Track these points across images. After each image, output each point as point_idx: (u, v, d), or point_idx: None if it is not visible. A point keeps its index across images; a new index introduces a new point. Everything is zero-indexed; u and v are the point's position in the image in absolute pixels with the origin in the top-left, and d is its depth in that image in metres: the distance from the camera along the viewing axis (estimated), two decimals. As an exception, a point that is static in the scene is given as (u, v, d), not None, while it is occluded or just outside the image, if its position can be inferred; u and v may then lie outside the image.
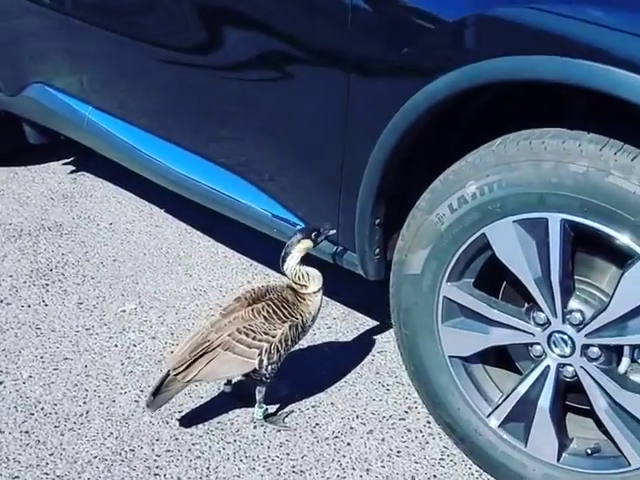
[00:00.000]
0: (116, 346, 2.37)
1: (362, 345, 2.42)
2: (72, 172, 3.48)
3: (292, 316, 1.95)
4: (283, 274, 2.03)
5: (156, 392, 1.91)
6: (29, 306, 2.54)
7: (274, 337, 1.92)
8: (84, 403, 2.13)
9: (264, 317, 1.93)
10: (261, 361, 1.93)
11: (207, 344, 1.90)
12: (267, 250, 2.50)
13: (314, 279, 1.98)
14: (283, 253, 1.98)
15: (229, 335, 1.91)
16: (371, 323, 2.51)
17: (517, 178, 1.62)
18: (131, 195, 3.27)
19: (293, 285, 2.00)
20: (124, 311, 2.53)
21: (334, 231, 2.03)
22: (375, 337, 2.45)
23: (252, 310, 1.94)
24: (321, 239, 2.00)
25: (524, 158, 1.61)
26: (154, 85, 2.56)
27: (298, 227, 2.12)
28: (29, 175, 3.44)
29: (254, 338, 1.91)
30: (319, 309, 2.02)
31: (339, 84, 1.89)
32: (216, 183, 2.42)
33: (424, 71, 1.71)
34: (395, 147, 1.82)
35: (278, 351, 1.94)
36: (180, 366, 1.90)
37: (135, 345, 2.37)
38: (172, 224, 3.07)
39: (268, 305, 1.95)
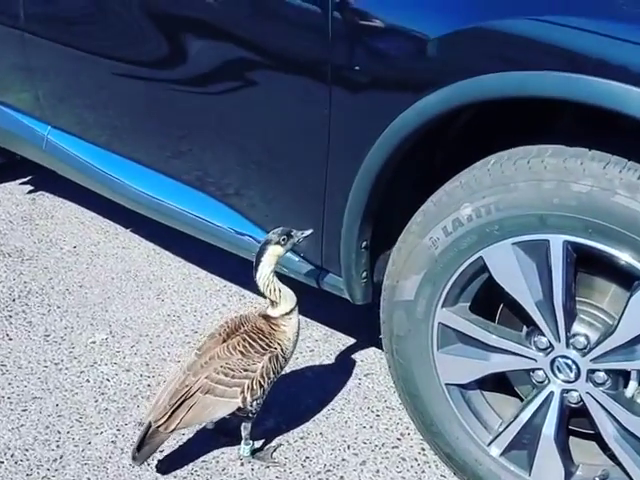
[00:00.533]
0: (88, 381, 2.23)
1: (347, 368, 2.32)
2: (30, 192, 3.32)
3: (270, 347, 1.84)
4: (260, 293, 1.91)
5: (140, 445, 1.80)
6: (-8, 341, 2.39)
7: (254, 372, 1.82)
8: (57, 447, 2.00)
9: (241, 353, 1.82)
10: (244, 399, 1.82)
11: (186, 390, 1.79)
12: (241, 270, 2.40)
13: (286, 297, 1.85)
14: (254, 262, 1.85)
15: (207, 377, 1.80)
16: (355, 344, 2.42)
17: (516, 199, 1.54)
18: (94, 215, 3.13)
19: (265, 312, 1.88)
20: (94, 342, 2.40)
21: (310, 231, 1.87)
22: (360, 359, 2.36)
23: (227, 347, 1.83)
24: (292, 242, 1.85)
25: (522, 178, 1.53)
26: (115, 101, 2.43)
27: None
28: (-16, 197, 3.27)
29: (233, 377, 1.80)
30: (297, 333, 1.91)
31: (320, 98, 1.80)
32: (184, 203, 2.31)
33: (414, 86, 1.62)
34: (383, 166, 1.73)
35: (261, 386, 1.83)
36: (161, 417, 1.78)
37: (108, 379, 2.24)
38: (140, 245, 2.94)
39: (243, 339, 1.84)
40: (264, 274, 1.83)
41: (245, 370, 1.81)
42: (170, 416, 1.78)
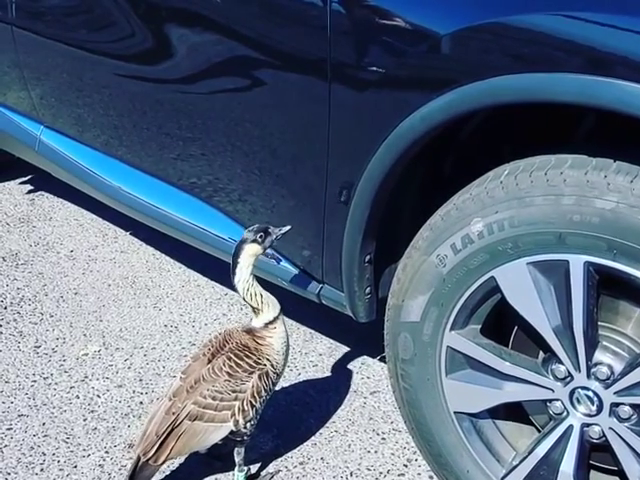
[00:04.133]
0: (78, 397, 2.11)
1: (353, 385, 2.18)
2: (29, 192, 3.21)
3: (259, 364, 1.70)
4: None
5: (132, 478, 1.67)
6: (-20, 353, 2.28)
7: (244, 393, 1.69)
8: (41, 470, 1.88)
9: (227, 374, 1.69)
10: (237, 422, 1.69)
11: (173, 418, 1.66)
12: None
13: (268, 305, 1.72)
14: (231, 263, 1.70)
15: (194, 403, 1.67)
16: (361, 359, 2.28)
17: (531, 215, 1.39)
18: (94, 217, 3.01)
19: (249, 325, 1.74)
20: (86, 354, 2.28)
21: (288, 228, 1.73)
22: (367, 375, 2.22)
23: (213, 368, 1.70)
24: (270, 240, 1.71)
25: (539, 192, 1.38)
26: (110, 102, 2.30)
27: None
28: (-18, 197, 3.17)
29: (222, 400, 1.67)
30: (287, 343, 1.76)
31: (318, 98, 1.65)
32: (180, 210, 2.18)
33: (421, 88, 1.47)
34: (387, 174, 1.59)
35: (253, 406, 1.70)
36: (150, 449, 1.65)
37: (99, 396, 2.12)
38: (139, 249, 2.82)
39: (229, 358, 1.70)
40: (243, 277, 1.69)
41: (234, 392, 1.68)
42: (159, 447, 1.65)
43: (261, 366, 1.70)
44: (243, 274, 1.69)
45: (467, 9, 1.43)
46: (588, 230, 1.34)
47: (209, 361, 1.71)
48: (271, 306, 1.72)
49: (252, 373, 1.69)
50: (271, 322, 1.73)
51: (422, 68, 1.49)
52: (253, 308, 1.73)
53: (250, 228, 1.72)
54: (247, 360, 1.70)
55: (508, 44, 1.38)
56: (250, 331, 1.73)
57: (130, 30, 2.14)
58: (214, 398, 1.67)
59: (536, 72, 1.32)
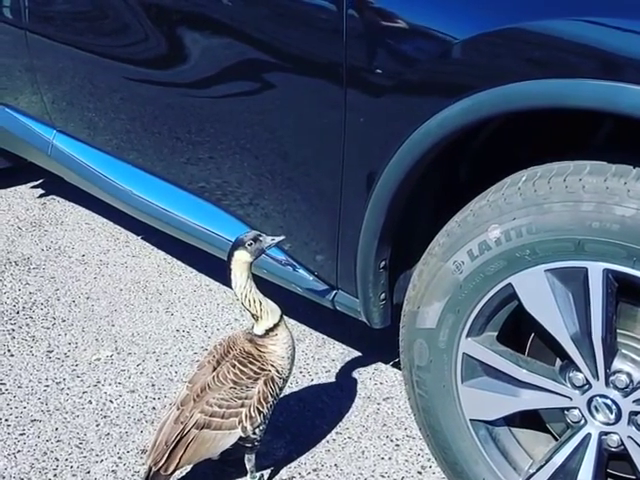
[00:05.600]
0: (90, 402, 2.11)
1: (365, 391, 2.17)
2: (41, 196, 3.22)
3: (263, 370, 1.70)
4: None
5: None
6: (-7, 357, 2.28)
7: (251, 399, 1.68)
8: (54, 476, 1.88)
9: (232, 381, 1.68)
10: (244, 428, 1.69)
11: (181, 427, 1.66)
12: (256, 282, 2.26)
13: (268, 312, 1.70)
14: (227, 271, 1.70)
15: (201, 412, 1.67)
16: (374, 364, 2.27)
17: (550, 222, 1.38)
18: (105, 221, 3.01)
19: (251, 332, 1.73)
20: (99, 359, 2.27)
21: (281, 238, 1.71)
22: (380, 381, 2.21)
23: (218, 376, 1.69)
24: (260, 248, 1.67)
25: (558, 198, 1.37)
26: (121, 105, 2.30)
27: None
28: (-6, 201, 3.17)
29: (229, 407, 1.67)
30: (292, 347, 1.74)
31: (334, 103, 1.65)
32: (191, 214, 2.18)
33: (438, 94, 1.46)
34: (403, 179, 1.58)
35: (260, 412, 1.69)
36: (160, 459, 1.65)
37: (112, 401, 2.12)
38: (151, 253, 2.81)
39: (233, 366, 1.69)
40: (239, 284, 1.68)
41: (240, 398, 1.68)
42: (169, 457, 1.65)
43: (266, 372, 1.70)
44: (238, 281, 1.68)
45: (485, 14, 1.42)
46: (607, 237, 1.33)
47: (214, 369, 1.71)
48: (271, 313, 1.71)
49: (257, 379, 1.69)
50: (272, 329, 1.71)
51: (439, 73, 1.48)
52: (252, 315, 1.72)
53: (243, 233, 1.71)
54: (251, 367, 1.69)
55: (526, 49, 1.37)
56: (252, 339, 1.72)
57: (141, 34, 2.14)
58: (220, 406, 1.67)
59: (555, 78, 1.31)
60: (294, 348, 1.76)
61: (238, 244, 1.67)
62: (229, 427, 1.67)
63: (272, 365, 1.71)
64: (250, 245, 1.66)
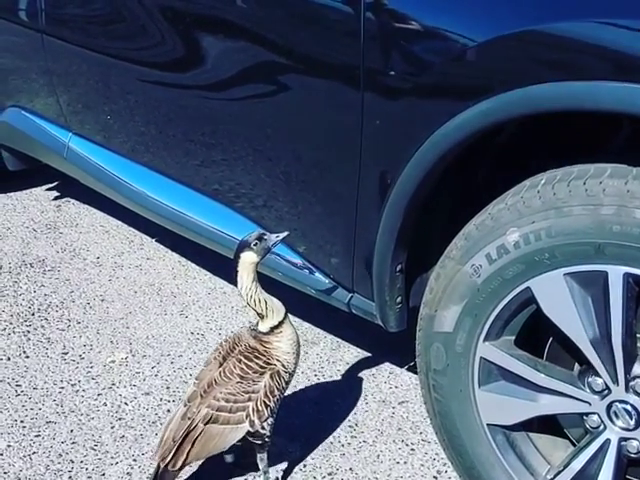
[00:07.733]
0: (105, 405, 2.11)
1: (381, 395, 2.16)
2: (56, 198, 3.23)
3: (269, 364, 1.70)
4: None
5: None
6: (8, 359, 2.28)
7: (257, 393, 1.69)
8: (69, 478, 1.88)
9: (239, 376, 1.69)
10: (252, 422, 1.69)
11: (188, 423, 1.67)
12: (270, 284, 2.25)
13: (273, 310, 1.70)
14: (234, 273, 1.70)
15: (208, 407, 1.67)
16: (389, 367, 2.26)
17: (569, 225, 1.37)
18: (119, 223, 3.02)
19: (255, 329, 1.73)
20: (113, 362, 2.28)
21: (285, 234, 1.71)
22: (395, 385, 2.20)
23: (224, 371, 1.71)
24: (265, 247, 1.67)
25: (577, 202, 1.36)
26: (135, 107, 2.30)
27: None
28: (9, 204, 3.18)
29: (236, 401, 1.68)
30: (296, 343, 1.74)
31: (351, 105, 1.64)
32: (206, 217, 2.18)
33: (456, 96, 1.46)
34: (420, 182, 1.57)
35: (267, 405, 1.70)
36: (167, 455, 1.66)
37: (127, 403, 2.12)
38: (165, 256, 2.82)
39: (239, 361, 1.71)
40: (245, 285, 1.68)
41: (247, 393, 1.68)
42: (176, 452, 1.66)
43: (272, 366, 1.71)
44: (245, 282, 1.69)
45: (504, 16, 1.41)
46: (628, 241, 1.31)
47: (220, 365, 1.72)
48: (275, 311, 1.71)
49: (263, 373, 1.70)
50: (276, 326, 1.72)
51: (457, 76, 1.47)
52: (258, 314, 1.72)
53: (247, 234, 1.71)
54: (257, 361, 1.70)
55: (544, 52, 1.36)
56: (257, 336, 1.73)
57: (156, 37, 2.14)
58: (227, 400, 1.67)
59: (573, 80, 1.30)
60: (299, 344, 1.77)
61: (243, 245, 1.68)
62: (237, 421, 1.68)
63: (277, 360, 1.71)
64: (255, 245, 1.67)
